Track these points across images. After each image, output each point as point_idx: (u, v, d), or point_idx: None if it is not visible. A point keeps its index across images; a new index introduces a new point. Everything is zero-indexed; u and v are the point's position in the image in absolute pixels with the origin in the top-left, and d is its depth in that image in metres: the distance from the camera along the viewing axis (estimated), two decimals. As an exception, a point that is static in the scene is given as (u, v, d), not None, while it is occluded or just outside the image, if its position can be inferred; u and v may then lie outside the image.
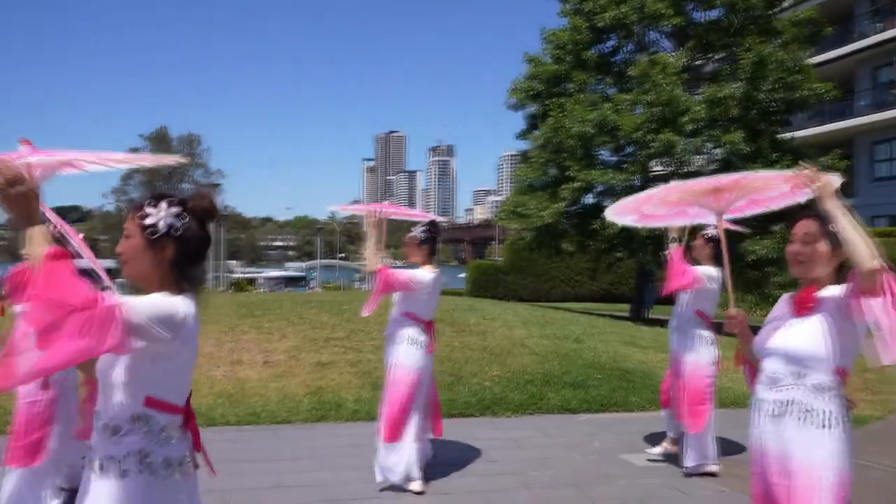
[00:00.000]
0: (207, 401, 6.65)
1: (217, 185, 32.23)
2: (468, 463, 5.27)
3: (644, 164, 14.95)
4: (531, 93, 16.50)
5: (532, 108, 16.99)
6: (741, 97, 14.26)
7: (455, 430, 6.14)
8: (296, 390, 7.09)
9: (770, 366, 2.43)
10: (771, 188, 3.05)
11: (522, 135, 17.46)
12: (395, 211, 5.27)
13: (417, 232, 4.86)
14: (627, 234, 14.49)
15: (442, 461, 5.16)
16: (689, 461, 5.01)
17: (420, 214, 5.45)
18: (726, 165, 14.98)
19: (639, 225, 3.75)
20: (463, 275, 34.55)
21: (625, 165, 15.03)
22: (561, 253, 16.39)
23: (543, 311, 13.53)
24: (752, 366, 2.64)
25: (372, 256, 4.46)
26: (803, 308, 2.40)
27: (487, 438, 5.96)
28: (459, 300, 15.11)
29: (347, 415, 6.50)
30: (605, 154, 15.94)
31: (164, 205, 1.94)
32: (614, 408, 7.17)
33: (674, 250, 4.93)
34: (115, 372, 1.83)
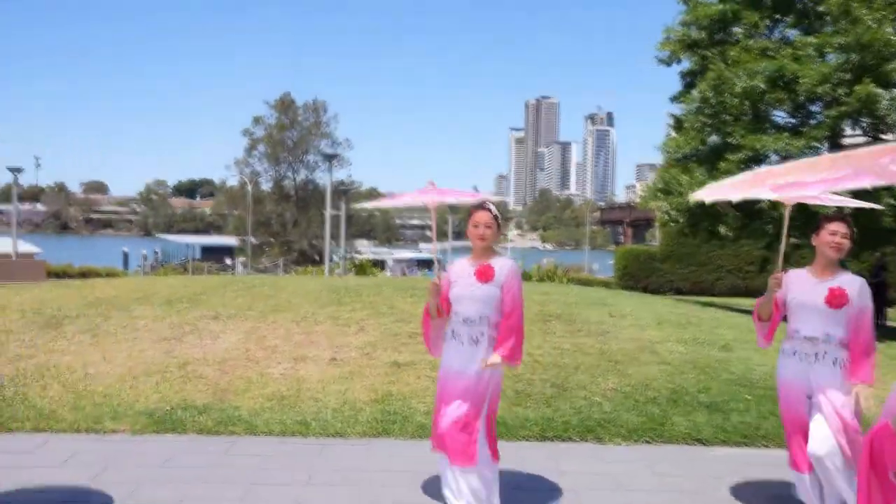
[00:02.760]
0: (254, 404, 6.43)
1: (335, 156, 32.56)
2: (543, 506, 4.58)
3: (832, 126, 13.20)
4: (687, 42, 15.19)
5: (688, 63, 15.71)
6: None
7: (540, 457, 5.52)
8: (359, 395, 6.72)
9: None
10: None
11: (678, 97, 16.19)
12: (442, 198, 4.82)
13: (492, 207, 4.29)
14: (807, 213, 12.90)
15: (511, 501, 4.48)
16: None
17: (467, 194, 5.03)
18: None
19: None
20: (612, 262, 33.49)
21: (805, 129, 13.37)
22: (718, 237, 15.09)
23: (689, 307, 12.39)
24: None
25: None
26: None
27: (580, 472, 5.25)
28: (590, 292, 14.25)
29: (413, 430, 6.04)
30: (780, 115, 14.40)
31: None
32: (762, 442, 6.15)
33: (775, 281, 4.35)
34: None
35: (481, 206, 4.26)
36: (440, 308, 4.33)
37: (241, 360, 7.44)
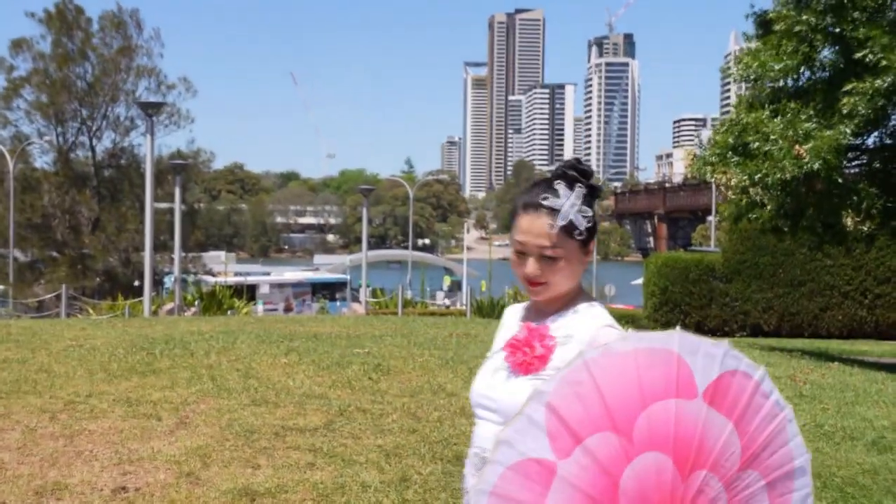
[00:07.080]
0: None
1: (162, 106, 31.23)
2: None
3: None
4: None
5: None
6: None
7: None
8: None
9: None
10: None
11: None
12: None
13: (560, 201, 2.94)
14: None
15: None
16: None
17: None
18: None
19: None
20: (639, 280, 33.37)
21: None
22: (840, 237, 15.09)
23: (793, 363, 12.43)
24: None
25: None
26: None
27: None
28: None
29: None
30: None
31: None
32: None
33: None
34: None
35: (536, 194, 2.99)
36: None
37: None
